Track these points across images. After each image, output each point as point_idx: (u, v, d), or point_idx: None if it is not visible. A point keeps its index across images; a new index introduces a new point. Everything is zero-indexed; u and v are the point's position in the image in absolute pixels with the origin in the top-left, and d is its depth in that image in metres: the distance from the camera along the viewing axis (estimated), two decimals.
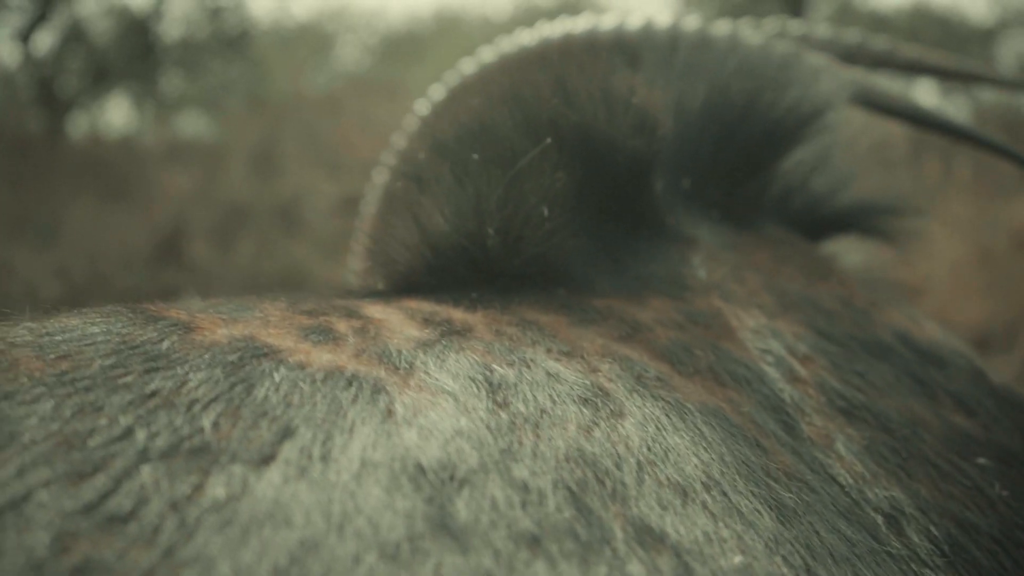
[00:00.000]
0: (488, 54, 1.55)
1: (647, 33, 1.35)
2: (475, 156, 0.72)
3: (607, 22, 1.42)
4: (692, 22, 1.33)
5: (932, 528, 0.65)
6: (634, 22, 1.39)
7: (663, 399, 0.60)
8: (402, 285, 0.73)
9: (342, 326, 0.60)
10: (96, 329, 0.56)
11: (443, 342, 0.59)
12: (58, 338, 0.54)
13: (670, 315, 0.73)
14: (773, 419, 0.66)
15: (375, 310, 0.64)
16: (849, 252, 1.24)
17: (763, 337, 0.74)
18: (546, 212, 0.71)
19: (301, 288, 5.76)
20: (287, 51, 8.89)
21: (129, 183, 6.83)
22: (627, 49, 1.36)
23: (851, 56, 1.68)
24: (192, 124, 9.53)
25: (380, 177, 1.69)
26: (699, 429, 0.59)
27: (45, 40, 8.43)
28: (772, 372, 0.70)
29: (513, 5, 16.16)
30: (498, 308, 0.67)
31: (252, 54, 8.92)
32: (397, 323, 0.62)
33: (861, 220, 1.15)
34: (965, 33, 14.05)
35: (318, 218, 6.14)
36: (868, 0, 17.77)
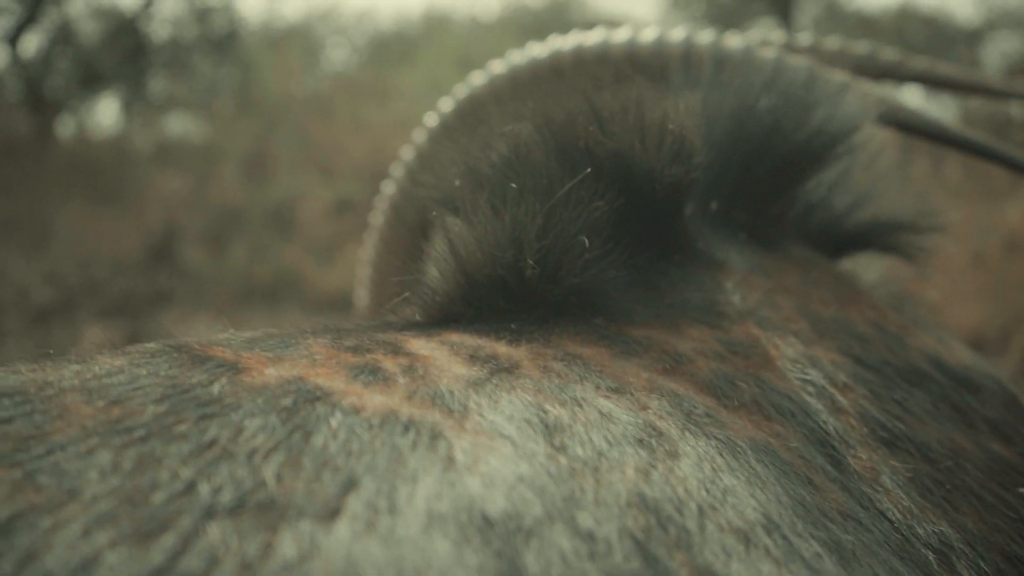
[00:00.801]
0: (499, 67, 1.54)
1: (671, 48, 1.35)
2: (513, 185, 0.71)
3: (625, 36, 1.41)
4: (714, 37, 1.33)
5: (981, 563, 0.64)
6: (655, 36, 1.39)
7: (715, 437, 0.60)
8: (439, 316, 0.72)
9: (390, 364, 0.59)
10: (143, 371, 0.55)
11: (493, 381, 0.59)
12: (106, 382, 0.53)
13: (710, 345, 0.72)
14: (820, 453, 0.65)
15: (418, 345, 0.63)
16: (861, 267, 1.24)
17: (802, 366, 0.73)
18: (586, 242, 0.70)
19: (296, 289, 5.75)
20: (277, 52, 8.86)
21: (120, 186, 6.80)
22: (651, 66, 1.35)
23: (860, 67, 1.68)
24: (182, 125, 9.50)
25: (389, 189, 1.68)
26: (753, 468, 0.58)
27: (33, 42, 8.39)
28: (815, 403, 0.70)
29: (502, 5, 16.17)
30: (540, 341, 0.67)
31: (241, 55, 8.89)
32: (444, 360, 0.61)
33: (880, 237, 1.14)
34: (952, 34, 14.10)
35: (311, 221, 6.13)
36: (854, 0, 17.84)
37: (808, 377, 0.72)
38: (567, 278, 0.71)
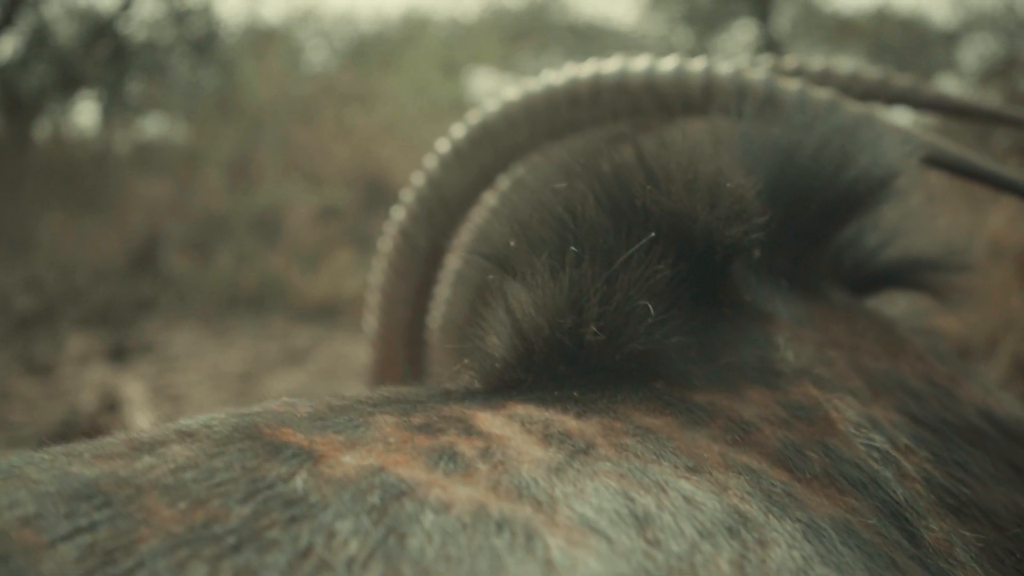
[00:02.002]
0: (513, 93, 1.53)
1: (691, 79, 1.33)
2: (574, 249, 0.70)
3: (643, 65, 1.39)
4: (735, 68, 1.32)
5: None
6: (674, 66, 1.37)
7: (799, 519, 0.59)
8: (498, 383, 0.71)
9: (465, 447, 0.57)
10: (218, 463, 0.53)
11: (575, 465, 0.57)
12: (184, 478, 0.51)
13: (772, 409, 0.71)
14: (896, 527, 0.64)
15: (487, 421, 0.62)
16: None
17: (866, 430, 0.72)
18: (651, 309, 0.69)
19: (282, 297, 5.70)
20: (257, 55, 8.80)
21: (100, 191, 6.73)
22: (671, 97, 1.34)
23: (872, 92, 1.67)
24: (163, 129, 9.41)
25: (398, 215, 1.66)
26: (839, 552, 0.57)
27: (9, 44, 8.28)
28: (883, 471, 0.69)
29: (481, 7, 16.13)
30: (607, 412, 0.65)
31: (221, 57, 8.81)
32: (519, 441, 0.59)
33: (909, 275, 1.14)
34: (928, 36, 14.18)
35: (296, 228, 6.08)
36: (832, 1, 17.92)
37: (872, 442, 0.71)
38: (629, 344, 0.70)
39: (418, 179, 1.63)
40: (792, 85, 1.33)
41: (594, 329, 0.68)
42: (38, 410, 4.20)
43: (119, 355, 5.03)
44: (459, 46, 10.29)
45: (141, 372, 4.79)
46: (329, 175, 6.38)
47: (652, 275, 0.71)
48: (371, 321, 1.73)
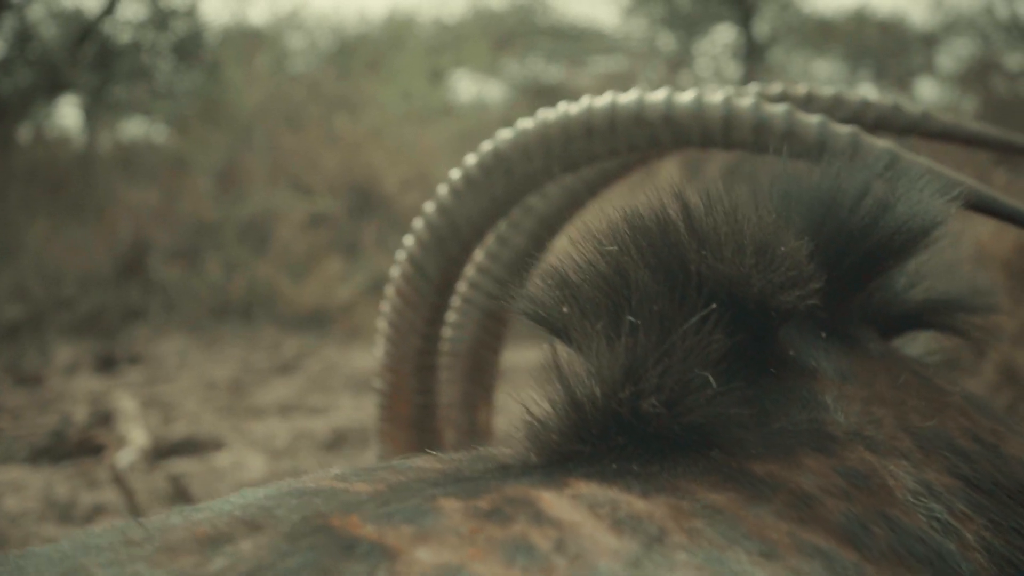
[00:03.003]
0: (527, 123, 1.51)
1: (710, 111, 1.32)
2: (631, 319, 0.69)
3: (661, 97, 1.38)
4: (755, 101, 1.31)
5: None
6: (692, 98, 1.36)
7: None
8: (555, 455, 0.70)
9: (538, 538, 0.56)
10: (293, 564, 0.51)
11: (652, 558, 0.56)
12: None
13: (831, 479, 0.70)
14: None
15: (554, 504, 0.61)
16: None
17: (923, 498, 0.72)
18: (712, 381, 0.68)
19: (271, 305, 5.67)
20: (243, 57, 8.75)
21: (86, 197, 6.67)
22: (689, 129, 1.33)
23: (884, 120, 1.66)
24: (148, 132, 9.35)
25: (408, 242, 1.64)
26: None
27: None
28: (946, 544, 0.68)
29: (465, 8, 16.10)
30: (671, 489, 0.64)
31: (206, 58, 8.76)
32: (590, 527, 0.58)
33: (936, 316, 1.13)
34: (908, 38, 14.25)
35: (285, 236, 6.04)
36: (812, 3, 17.98)
37: (932, 512, 0.71)
38: (688, 415, 0.69)
39: (428, 207, 1.62)
40: (813, 119, 1.32)
41: (654, 402, 0.67)
42: (27, 421, 4.17)
43: (108, 365, 4.99)
44: (445, 50, 10.26)
45: (130, 382, 4.76)
46: (317, 182, 6.35)
47: (709, 343, 0.70)
48: (380, 347, 1.71)
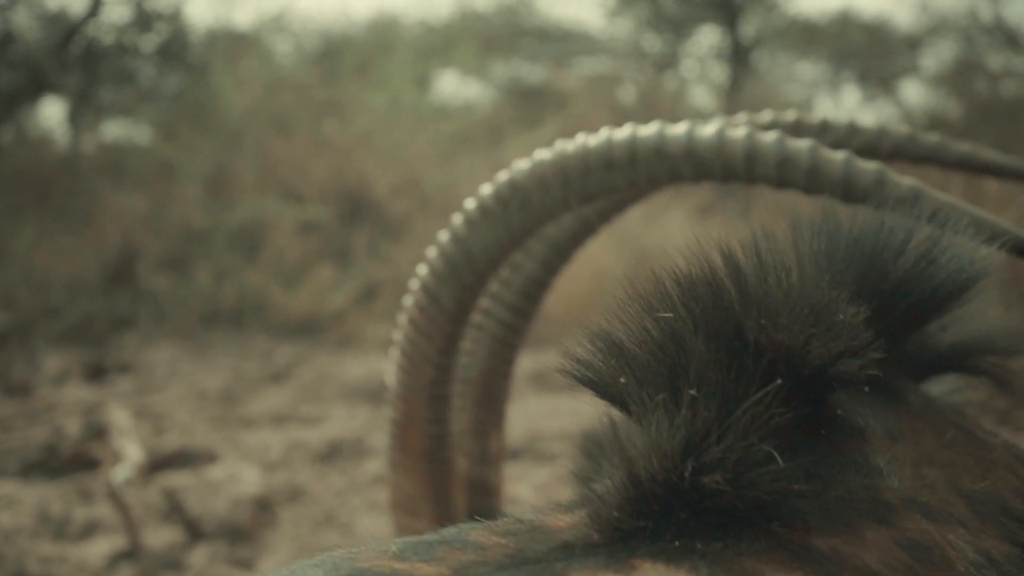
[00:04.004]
0: (544, 153, 1.50)
1: (732, 146, 1.31)
2: (692, 393, 0.68)
3: (682, 130, 1.37)
4: (778, 137, 1.30)
5: None
6: (714, 132, 1.35)
7: None
8: (616, 532, 0.69)
9: None
10: None
11: None
12: None
13: (893, 553, 0.69)
14: None
15: None
16: None
17: (984, 569, 0.72)
18: (776, 456, 0.67)
19: (262, 313, 5.64)
20: (229, 60, 8.70)
21: (73, 203, 6.61)
22: (711, 164, 1.32)
23: (899, 150, 1.66)
24: (133, 135, 9.28)
25: (421, 271, 1.63)
26: None
27: None
28: None
29: (451, 9, 16.06)
30: (738, 571, 0.63)
31: (191, 60, 8.71)
32: None
33: (967, 360, 1.12)
34: (892, 40, 14.31)
35: (275, 243, 6.01)
36: (796, 4, 18.03)
37: None
38: (752, 490, 0.68)
39: (443, 237, 1.61)
40: (838, 155, 1.31)
41: (717, 478, 0.67)
42: (18, 432, 4.13)
43: (97, 374, 4.95)
44: (433, 52, 10.22)
45: (120, 391, 4.72)
46: (307, 188, 6.31)
47: (770, 416, 0.69)
48: (391, 375, 1.69)
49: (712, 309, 0.75)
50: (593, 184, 1.47)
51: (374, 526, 3.30)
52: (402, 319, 1.66)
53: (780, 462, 0.67)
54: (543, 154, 1.51)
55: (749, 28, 14.47)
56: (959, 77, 10.98)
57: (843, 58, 14.70)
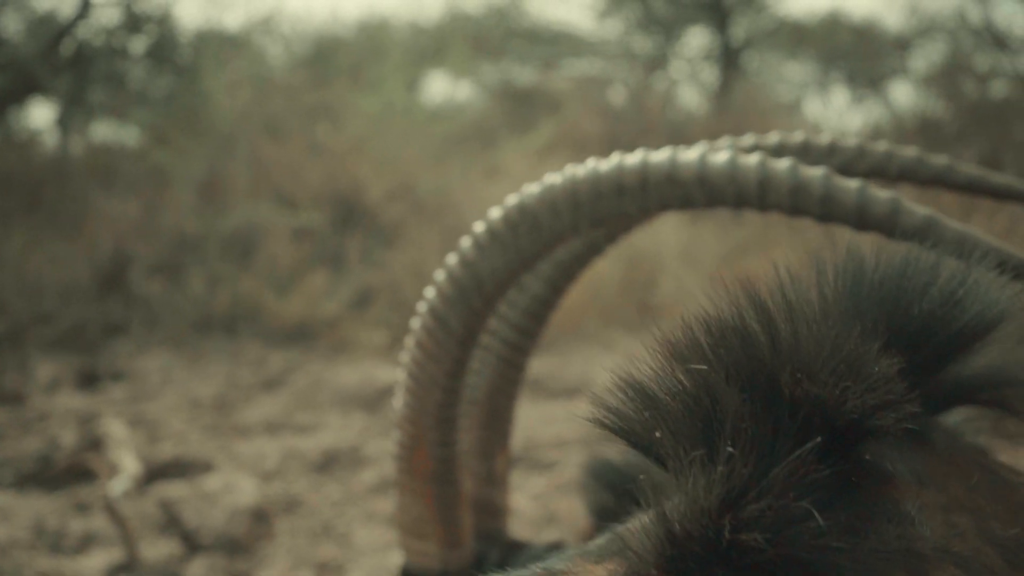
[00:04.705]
0: (555, 178, 1.50)
1: (745, 174, 1.31)
2: (730, 450, 0.67)
3: (694, 156, 1.37)
4: (791, 164, 1.29)
5: None
6: (726, 159, 1.35)
7: None
8: None
9: None
10: None
11: None
12: None
13: None
14: None
15: None
16: None
17: None
18: (816, 514, 0.67)
19: (255, 319, 5.61)
20: (219, 62, 8.66)
21: (63, 208, 6.58)
22: (723, 191, 1.31)
23: (907, 172, 1.65)
24: (125, 138, 9.25)
25: (429, 294, 1.62)
26: None
27: None
28: None
29: (441, 11, 16.04)
30: None
31: (180, 62, 8.68)
32: None
33: (982, 393, 1.12)
34: (881, 41, 14.37)
35: (269, 249, 5.98)
36: (786, 6, 18.08)
37: None
38: (790, 547, 0.67)
39: (451, 260, 1.60)
40: (852, 184, 1.31)
41: (756, 536, 0.66)
42: (12, 442, 4.10)
43: (90, 381, 4.93)
44: (423, 54, 10.21)
45: (113, 399, 4.69)
46: (300, 194, 6.29)
47: (808, 472, 0.68)
48: (399, 398, 1.69)
49: (744, 359, 0.75)
50: (604, 209, 1.47)
51: (371, 537, 3.29)
52: (410, 342, 1.65)
53: (820, 520, 0.67)
54: (553, 178, 1.50)
55: (739, 29, 14.51)
56: (948, 78, 11.01)
57: (832, 59, 14.77)
